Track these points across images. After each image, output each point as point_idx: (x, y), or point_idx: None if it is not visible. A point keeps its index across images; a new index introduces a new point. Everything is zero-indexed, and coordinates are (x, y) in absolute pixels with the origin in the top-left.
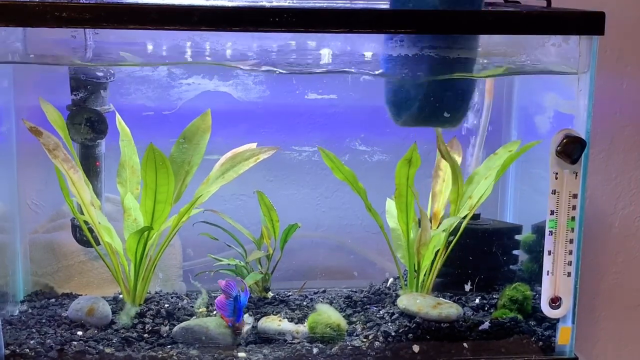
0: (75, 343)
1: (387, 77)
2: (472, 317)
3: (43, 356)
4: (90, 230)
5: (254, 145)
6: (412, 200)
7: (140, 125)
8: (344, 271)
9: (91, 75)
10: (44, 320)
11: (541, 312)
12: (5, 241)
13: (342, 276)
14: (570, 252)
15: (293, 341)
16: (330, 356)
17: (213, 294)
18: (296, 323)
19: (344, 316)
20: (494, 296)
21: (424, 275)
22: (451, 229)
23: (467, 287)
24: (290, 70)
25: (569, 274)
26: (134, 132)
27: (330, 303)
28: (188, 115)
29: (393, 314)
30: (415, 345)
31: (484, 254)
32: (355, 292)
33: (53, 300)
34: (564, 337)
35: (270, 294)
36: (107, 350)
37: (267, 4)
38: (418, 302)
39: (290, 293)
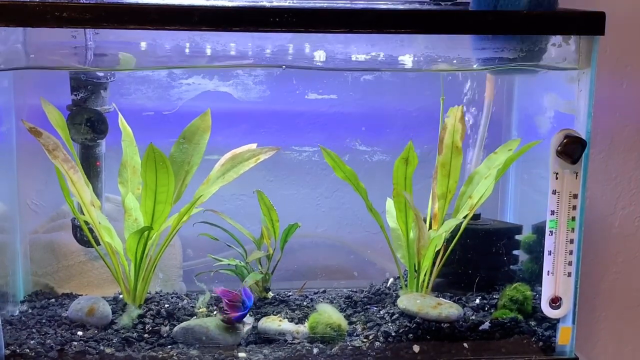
0: (76, 343)
1: None
2: (472, 317)
3: (43, 356)
4: (91, 230)
5: (254, 145)
6: (411, 200)
7: (140, 125)
8: (344, 271)
9: (91, 75)
10: (44, 321)
11: (541, 312)
12: (6, 241)
13: (342, 276)
14: (571, 252)
15: (293, 341)
16: (331, 356)
17: (214, 294)
18: (296, 323)
19: (344, 316)
20: (494, 296)
21: (424, 275)
22: (451, 230)
23: (473, 295)
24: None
25: (569, 274)
26: (134, 132)
27: (331, 303)
28: (188, 115)
29: (393, 314)
30: (415, 345)
31: (484, 254)
32: (356, 292)
33: (53, 300)
34: (564, 337)
35: (270, 294)
36: (108, 350)
37: (267, 4)
38: (418, 302)
39: (290, 293)
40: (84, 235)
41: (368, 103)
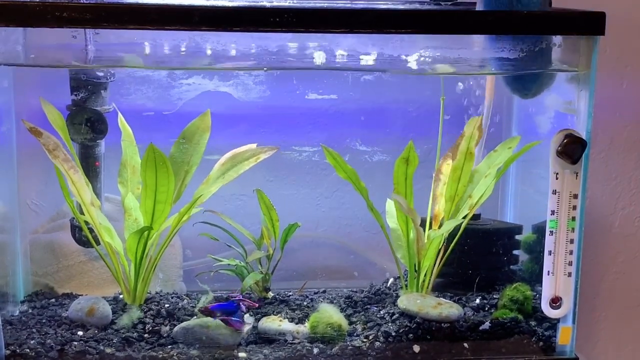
0: (76, 343)
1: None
2: (472, 317)
3: (43, 356)
4: (91, 230)
5: (254, 145)
6: (412, 200)
7: (140, 126)
8: (344, 271)
9: (91, 75)
10: (44, 321)
11: (541, 312)
12: (6, 241)
13: (342, 276)
14: (571, 252)
15: (293, 341)
16: (331, 356)
17: (215, 295)
18: (297, 323)
19: (344, 316)
20: (495, 296)
21: (424, 275)
22: (451, 231)
23: (473, 295)
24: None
25: (569, 274)
26: (134, 132)
27: (331, 303)
28: (188, 115)
29: (393, 314)
30: (415, 345)
31: (484, 254)
32: (356, 292)
33: (53, 300)
34: (564, 337)
35: (270, 294)
36: (108, 350)
37: (268, 4)
38: (418, 302)
39: (290, 293)
40: (82, 236)
41: (368, 103)
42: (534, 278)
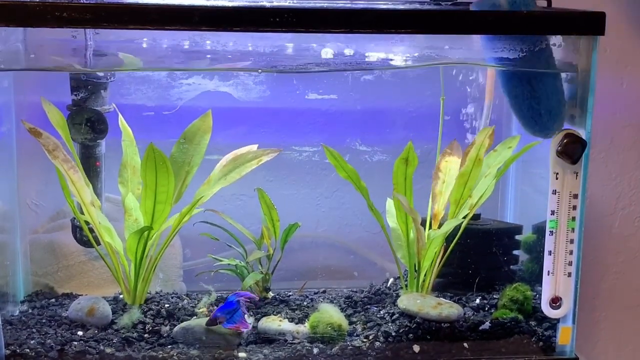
0: (76, 343)
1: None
2: (472, 317)
3: (43, 356)
4: (91, 230)
5: (254, 147)
6: (412, 200)
7: (140, 126)
8: (344, 271)
9: (91, 75)
10: (44, 321)
11: (541, 312)
12: (6, 241)
13: (342, 276)
14: (571, 252)
15: (293, 341)
16: (331, 356)
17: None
18: (297, 323)
19: (344, 316)
20: (495, 296)
21: (425, 275)
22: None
23: (473, 295)
24: None
25: (569, 274)
26: (134, 132)
27: (331, 303)
28: (188, 115)
29: (393, 314)
30: (415, 345)
31: (484, 254)
32: (356, 292)
33: (53, 300)
34: (564, 337)
35: (270, 294)
36: (108, 350)
37: (268, 4)
38: (418, 302)
39: (290, 293)
40: (83, 236)
41: (368, 103)
42: (534, 278)
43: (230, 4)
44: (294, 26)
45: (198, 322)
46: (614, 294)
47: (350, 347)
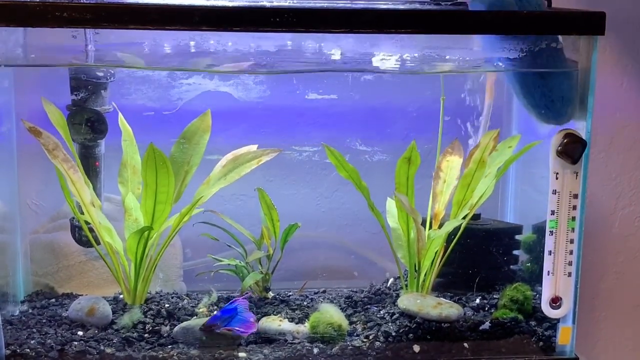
0: (76, 343)
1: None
2: (472, 317)
3: (43, 356)
4: (91, 230)
5: (254, 146)
6: (413, 200)
7: (140, 125)
8: (344, 271)
9: (91, 75)
10: (44, 320)
11: (541, 312)
12: (6, 241)
13: (342, 276)
14: (571, 252)
15: (293, 341)
16: (331, 356)
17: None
18: (297, 323)
19: (344, 316)
20: (495, 296)
21: (425, 275)
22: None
23: (473, 295)
24: None
25: (569, 274)
26: (134, 132)
27: (331, 303)
28: (188, 115)
29: (393, 314)
30: (415, 345)
31: (484, 254)
32: (356, 292)
33: (53, 300)
34: (564, 337)
35: (270, 294)
36: (108, 350)
37: (268, 4)
38: (418, 302)
39: (290, 293)
40: (82, 236)
41: (368, 103)
42: (534, 278)
43: (230, 4)
44: (294, 26)
45: (198, 322)
46: (613, 294)
47: (351, 347)
